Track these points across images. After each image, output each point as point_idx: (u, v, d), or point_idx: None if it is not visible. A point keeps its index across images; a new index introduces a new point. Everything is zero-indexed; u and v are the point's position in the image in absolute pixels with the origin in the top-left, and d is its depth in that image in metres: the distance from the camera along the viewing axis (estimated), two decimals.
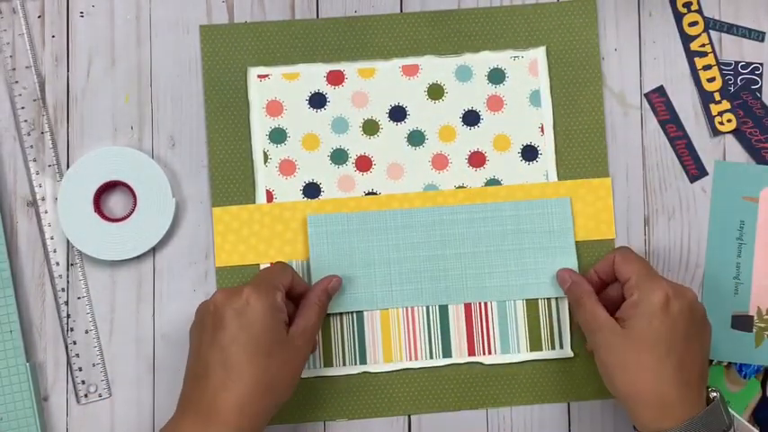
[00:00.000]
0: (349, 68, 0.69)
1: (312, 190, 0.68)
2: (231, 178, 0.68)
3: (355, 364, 0.67)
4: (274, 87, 0.69)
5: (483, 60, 0.69)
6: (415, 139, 0.69)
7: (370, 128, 0.69)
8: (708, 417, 0.57)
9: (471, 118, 0.69)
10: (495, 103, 0.69)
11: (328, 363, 0.67)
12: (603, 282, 0.65)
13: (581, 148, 0.69)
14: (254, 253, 0.67)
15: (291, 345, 0.59)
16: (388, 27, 0.69)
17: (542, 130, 0.69)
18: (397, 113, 0.69)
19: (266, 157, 0.69)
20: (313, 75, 0.69)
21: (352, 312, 0.67)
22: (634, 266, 0.61)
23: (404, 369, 0.67)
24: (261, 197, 0.68)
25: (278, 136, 0.69)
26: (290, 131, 0.69)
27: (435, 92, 0.69)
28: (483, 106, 0.69)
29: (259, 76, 0.69)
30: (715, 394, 0.59)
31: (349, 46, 0.69)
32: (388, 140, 0.69)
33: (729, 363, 0.68)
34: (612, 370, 0.59)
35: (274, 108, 0.69)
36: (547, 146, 0.69)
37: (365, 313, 0.68)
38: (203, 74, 0.69)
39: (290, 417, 0.67)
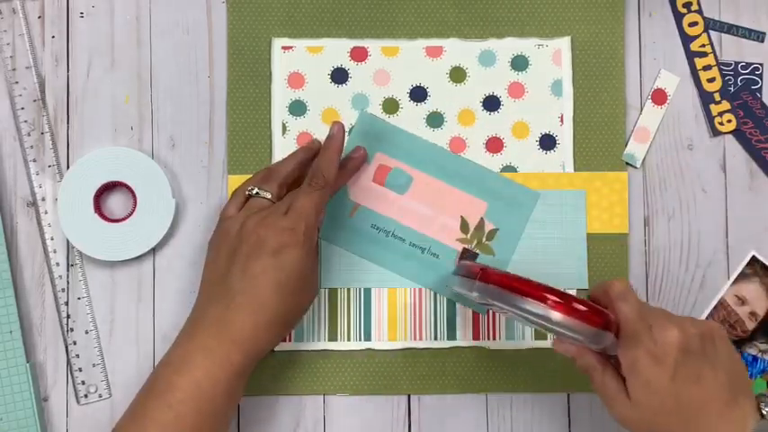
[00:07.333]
0: (373, 46, 0.69)
1: None
2: (248, 147, 0.68)
3: (360, 340, 0.67)
4: (297, 59, 0.69)
5: (507, 46, 0.69)
6: (434, 120, 0.69)
7: (390, 106, 0.69)
8: None
9: (492, 103, 0.69)
10: (517, 90, 0.69)
11: (333, 337, 0.67)
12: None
13: (599, 141, 0.69)
14: None
15: (313, 284, 0.62)
16: (415, 7, 0.69)
17: (562, 120, 0.69)
18: (418, 94, 0.69)
19: (285, 129, 0.69)
20: (337, 49, 0.69)
21: (359, 289, 0.68)
22: (621, 316, 0.56)
23: (407, 348, 0.67)
24: None
25: (298, 108, 0.69)
26: (309, 104, 0.69)
27: (457, 75, 0.69)
28: (504, 92, 0.69)
29: (283, 48, 0.69)
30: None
31: (375, 23, 0.69)
32: (406, 120, 0.69)
33: None
34: None
35: (296, 80, 0.69)
36: (565, 136, 0.69)
37: (372, 290, 0.68)
38: (228, 40, 0.69)
39: (293, 388, 0.67)
